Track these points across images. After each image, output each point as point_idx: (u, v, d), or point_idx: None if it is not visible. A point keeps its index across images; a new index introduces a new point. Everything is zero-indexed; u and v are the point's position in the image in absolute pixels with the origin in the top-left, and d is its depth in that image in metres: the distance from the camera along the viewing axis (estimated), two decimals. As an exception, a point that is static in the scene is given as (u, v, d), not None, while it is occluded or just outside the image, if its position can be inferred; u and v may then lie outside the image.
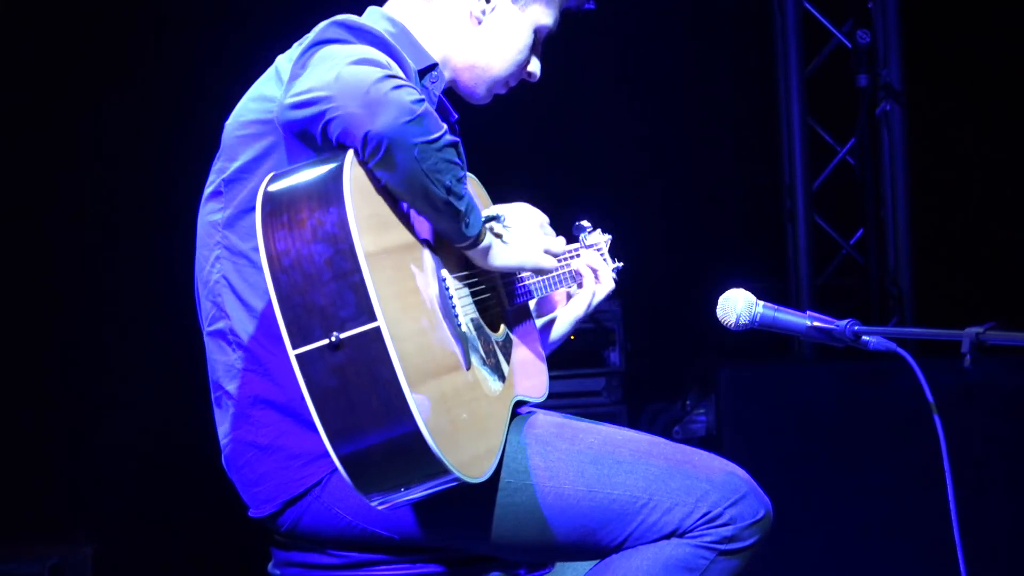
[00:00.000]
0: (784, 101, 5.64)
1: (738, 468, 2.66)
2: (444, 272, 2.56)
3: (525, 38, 2.81)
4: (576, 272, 2.98)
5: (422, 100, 2.39)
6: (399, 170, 2.37)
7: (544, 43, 2.88)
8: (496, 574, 2.68)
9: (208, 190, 2.66)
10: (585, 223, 3.04)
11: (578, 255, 2.98)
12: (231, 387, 2.61)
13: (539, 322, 2.96)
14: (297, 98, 2.44)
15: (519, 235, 2.65)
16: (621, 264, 3.08)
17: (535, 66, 2.87)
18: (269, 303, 2.55)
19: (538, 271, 2.73)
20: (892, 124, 5.58)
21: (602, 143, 6.08)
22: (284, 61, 2.62)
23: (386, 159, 2.36)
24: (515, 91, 2.91)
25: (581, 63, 5.72)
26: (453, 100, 2.85)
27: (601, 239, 3.08)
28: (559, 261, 2.86)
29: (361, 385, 2.28)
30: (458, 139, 2.45)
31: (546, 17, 2.82)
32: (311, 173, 2.37)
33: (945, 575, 2.98)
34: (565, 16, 2.88)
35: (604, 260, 3.04)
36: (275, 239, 2.32)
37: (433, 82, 2.72)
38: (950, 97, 5.82)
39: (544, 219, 2.80)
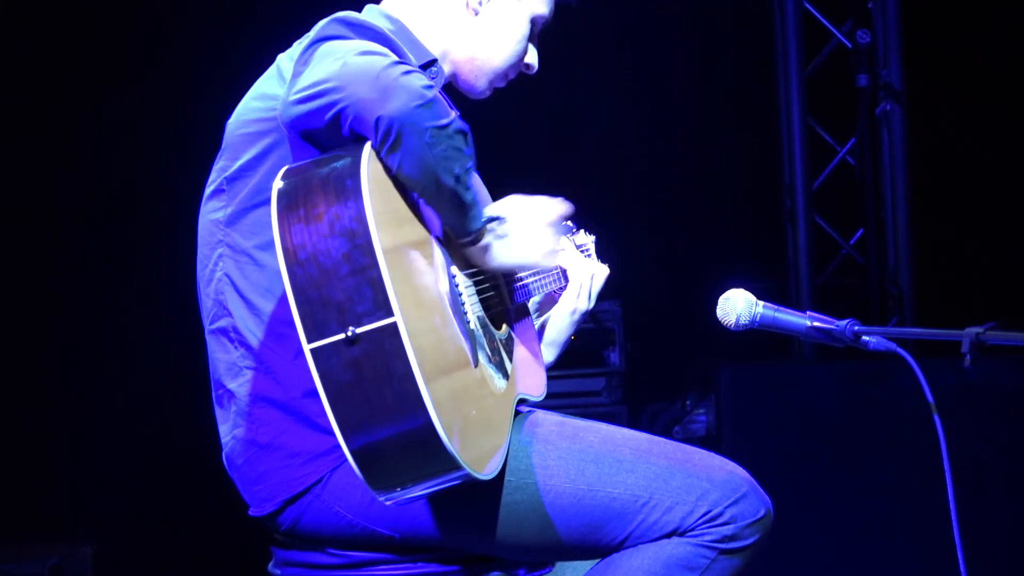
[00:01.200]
0: (784, 101, 5.64)
1: (738, 467, 2.65)
2: (454, 269, 2.57)
3: (523, 27, 2.81)
4: (564, 270, 2.97)
5: (431, 86, 2.39)
6: (411, 155, 2.37)
7: (540, 35, 2.87)
8: (497, 574, 2.68)
9: (210, 189, 2.66)
10: (568, 223, 3.04)
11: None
12: (233, 385, 2.61)
13: (537, 322, 2.96)
14: (303, 93, 2.44)
15: (520, 233, 2.64)
16: (606, 265, 3.08)
17: (532, 57, 2.86)
18: (272, 301, 2.56)
19: (539, 268, 2.70)
20: (892, 124, 5.58)
21: (602, 143, 6.08)
22: (285, 59, 2.63)
23: (398, 144, 2.36)
24: (515, 92, 2.91)
25: (580, 63, 5.72)
26: (453, 97, 2.85)
27: (587, 240, 3.08)
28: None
29: (376, 380, 2.28)
30: (467, 127, 2.44)
31: (542, 6, 2.82)
32: (327, 167, 2.37)
33: (945, 575, 2.98)
34: (563, 12, 2.88)
35: (590, 260, 3.03)
36: (291, 233, 2.32)
37: (433, 78, 2.71)
38: (950, 97, 5.83)
39: (539, 205, 2.67)
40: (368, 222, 2.30)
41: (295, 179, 2.37)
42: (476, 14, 2.78)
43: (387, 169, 2.40)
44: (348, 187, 2.32)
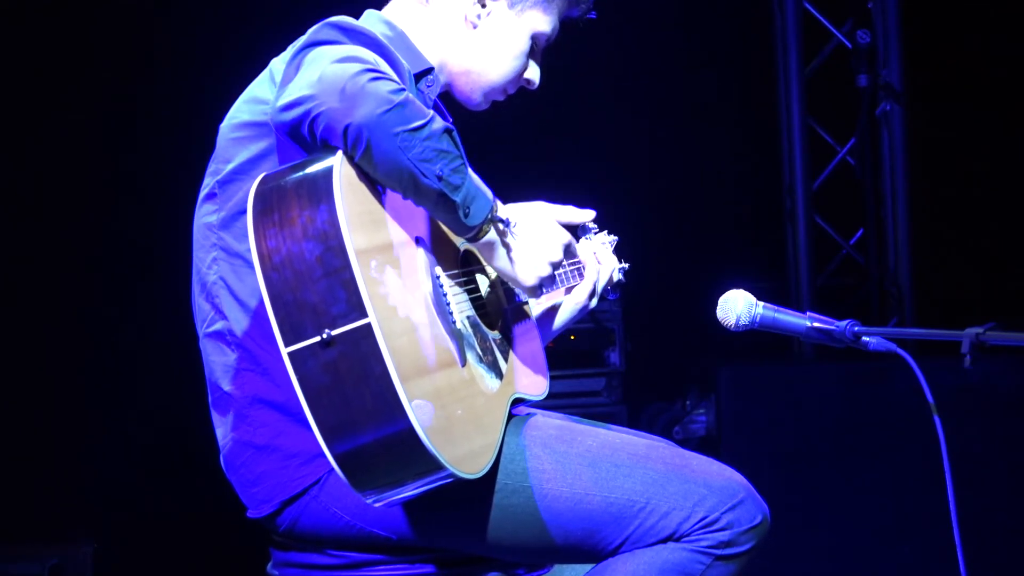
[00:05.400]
0: (784, 101, 5.65)
1: (736, 473, 2.65)
2: (438, 270, 2.56)
3: (522, 44, 2.79)
4: (580, 269, 2.97)
5: (402, 90, 2.37)
6: (384, 161, 2.36)
7: (544, 52, 2.86)
8: (494, 574, 2.68)
9: (203, 192, 2.66)
10: (591, 224, 3.04)
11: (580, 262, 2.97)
12: (229, 387, 2.61)
13: (539, 310, 2.95)
14: (285, 100, 2.44)
15: (529, 244, 2.60)
16: (627, 265, 3.08)
17: (533, 73, 2.85)
18: (266, 303, 2.56)
19: (531, 294, 2.64)
20: (892, 124, 5.59)
21: (602, 143, 6.08)
22: (278, 63, 2.63)
23: (369, 151, 2.35)
24: (515, 93, 2.90)
25: (581, 63, 5.71)
26: (451, 104, 2.84)
27: (606, 240, 3.08)
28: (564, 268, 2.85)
29: (354, 381, 2.28)
30: (451, 126, 2.42)
31: (544, 24, 2.80)
32: (303, 172, 2.37)
33: (945, 575, 2.98)
34: (567, 26, 2.86)
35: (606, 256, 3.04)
36: (266, 237, 2.33)
37: (429, 86, 2.72)
38: (950, 97, 5.83)
39: (557, 214, 2.70)
40: (340, 224, 2.30)
41: (270, 184, 2.37)
42: (475, 27, 2.77)
43: (363, 172, 2.40)
44: (321, 190, 2.32)
